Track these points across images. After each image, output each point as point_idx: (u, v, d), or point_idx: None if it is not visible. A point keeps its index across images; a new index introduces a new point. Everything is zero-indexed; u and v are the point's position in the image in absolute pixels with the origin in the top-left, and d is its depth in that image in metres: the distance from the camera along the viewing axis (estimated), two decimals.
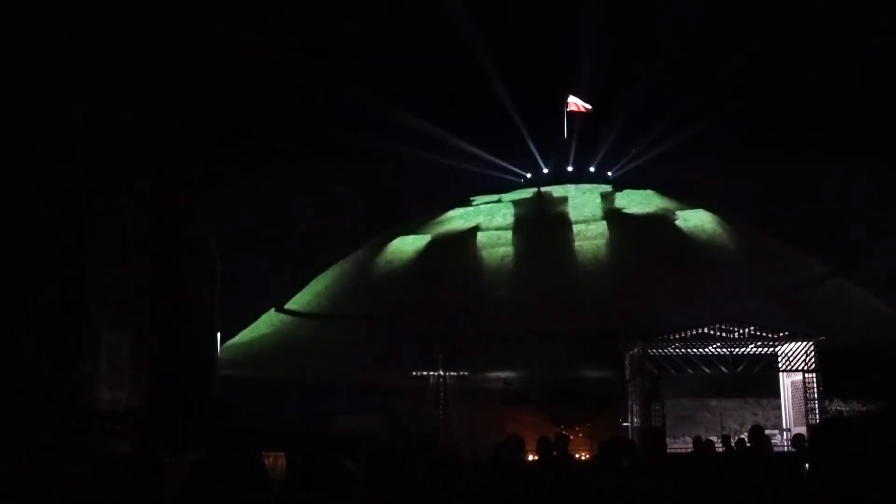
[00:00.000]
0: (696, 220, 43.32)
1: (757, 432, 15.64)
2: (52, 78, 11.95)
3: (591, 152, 50.84)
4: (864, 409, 28.18)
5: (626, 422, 29.41)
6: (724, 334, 29.86)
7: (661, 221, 43.93)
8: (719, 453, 16.25)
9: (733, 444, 17.56)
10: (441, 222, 47.26)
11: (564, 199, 47.57)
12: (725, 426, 26.07)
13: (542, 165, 51.49)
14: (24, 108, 11.74)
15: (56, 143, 12.28)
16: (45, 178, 12.12)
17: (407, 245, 45.10)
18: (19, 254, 11.45)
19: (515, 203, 47.95)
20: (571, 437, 27.24)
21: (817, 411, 28.30)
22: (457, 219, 47.74)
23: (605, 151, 49.92)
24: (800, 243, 41.08)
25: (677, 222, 43.50)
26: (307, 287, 45.17)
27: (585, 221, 43.99)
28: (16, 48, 11.60)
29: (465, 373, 32.15)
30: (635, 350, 30.98)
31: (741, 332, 30.01)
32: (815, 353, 29.89)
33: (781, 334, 30.70)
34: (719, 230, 42.64)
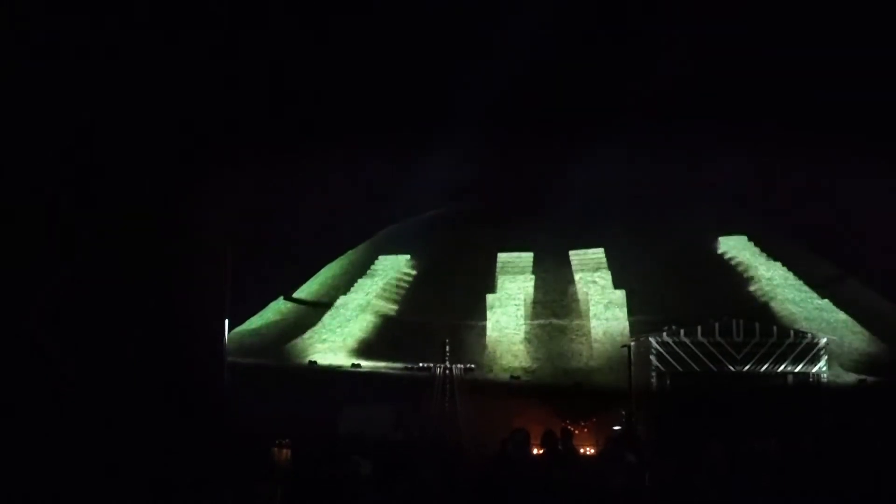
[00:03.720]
0: (704, 221, 42.99)
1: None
2: (62, 76, 11.93)
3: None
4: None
5: (624, 419, 28.84)
6: (731, 332, 29.94)
7: (667, 225, 43.45)
8: (724, 454, 16.24)
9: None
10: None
11: None
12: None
13: None
14: (35, 106, 11.75)
15: (68, 134, 12.29)
16: (57, 171, 12.15)
17: (416, 234, 44.98)
18: (31, 248, 11.50)
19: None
20: (577, 431, 27.21)
21: None
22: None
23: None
24: (810, 245, 40.78)
25: (684, 225, 43.13)
26: (315, 276, 45.20)
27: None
28: (26, 49, 11.57)
29: (472, 365, 32.22)
30: (641, 346, 31.07)
31: (748, 329, 30.08)
32: (824, 353, 30.08)
33: (792, 332, 30.78)
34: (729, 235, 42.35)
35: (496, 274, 39.87)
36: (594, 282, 38.80)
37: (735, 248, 40.89)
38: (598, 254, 40.06)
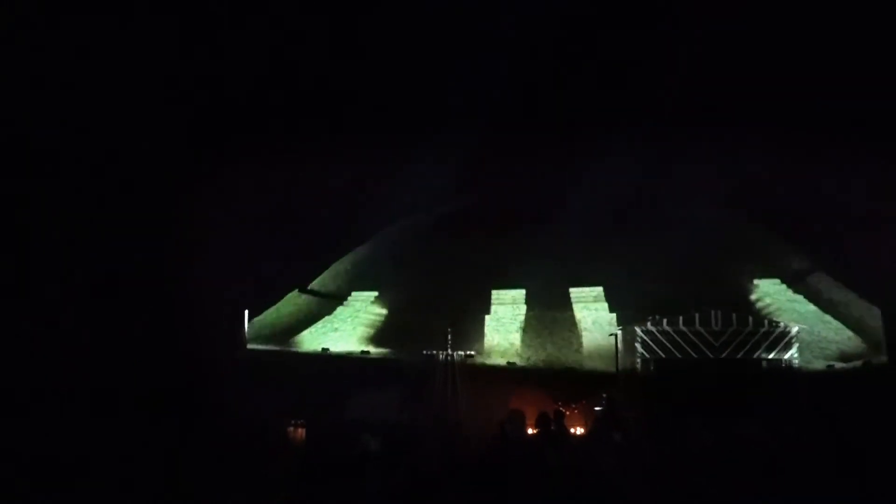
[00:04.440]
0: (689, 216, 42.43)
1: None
2: (64, 75, 11.51)
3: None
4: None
5: (605, 401, 28.45)
6: (710, 321, 29.99)
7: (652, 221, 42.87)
8: (705, 434, 16.05)
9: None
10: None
11: None
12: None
13: None
14: (39, 106, 11.37)
15: (81, 126, 11.88)
16: (76, 167, 11.79)
17: (420, 233, 44.71)
18: (58, 247, 11.20)
19: None
20: (568, 413, 27.08)
21: None
22: None
23: None
24: (783, 240, 40.05)
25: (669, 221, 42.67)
26: (328, 270, 45.06)
27: None
28: (26, 46, 11.15)
29: (472, 353, 32.17)
30: (627, 334, 31.04)
31: (726, 318, 30.11)
32: (796, 341, 30.05)
33: (766, 321, 30.74)
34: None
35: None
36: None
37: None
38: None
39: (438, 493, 10.50)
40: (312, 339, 38.39)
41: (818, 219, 35.18)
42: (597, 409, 27.34)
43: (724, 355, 29.55)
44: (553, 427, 18.13)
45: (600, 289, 38.59)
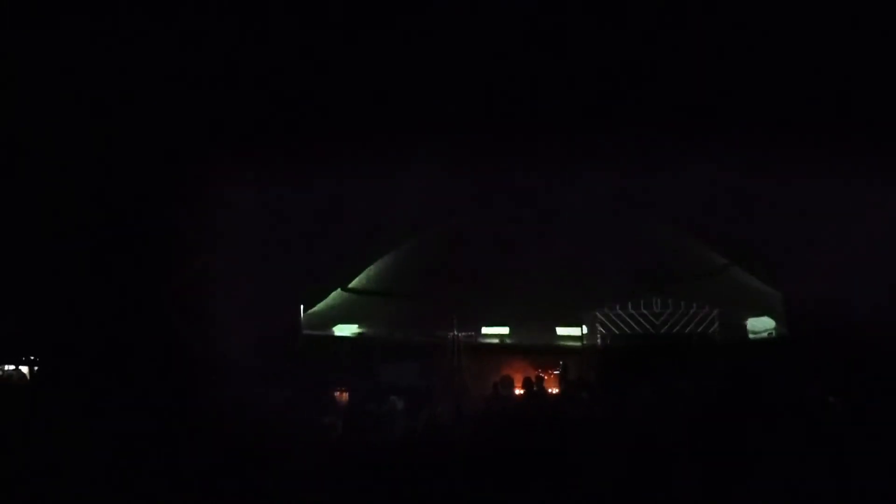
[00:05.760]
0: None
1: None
2: (72, 77, 10.39)
3: None
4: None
5: (562, 368, 27.88)
6: (651, 306, 30.36)
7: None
8: (650, 391, 16.18)
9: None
10: None
11: None
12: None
13: None
14: (52, 108, 10.44)
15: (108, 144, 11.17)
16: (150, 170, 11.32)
17: (436, 237, 44.00)
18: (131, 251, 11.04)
19: None
20: (546, 377, 27.25)
21: None
22: None
23: None
24: (701, 237, 37.33)
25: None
26: (364, 271, 45.09)
27: None
28: (31, 50, 10.01)
29: (473, 333, 32.43)
30: (589, 317, 31.35)
31: (664, 303, 30.44)
32: (716, 319, 30.39)
33: (694, 305, 30.92)
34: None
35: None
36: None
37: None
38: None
39: (448, 437, 10.76)
40: (352, 326, 38.57)
41: (735, 223, 34.31)
42: (555, 372, 27.67)
43: (662, 331, 29.85)
44: (535, 388, 18.39)
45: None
